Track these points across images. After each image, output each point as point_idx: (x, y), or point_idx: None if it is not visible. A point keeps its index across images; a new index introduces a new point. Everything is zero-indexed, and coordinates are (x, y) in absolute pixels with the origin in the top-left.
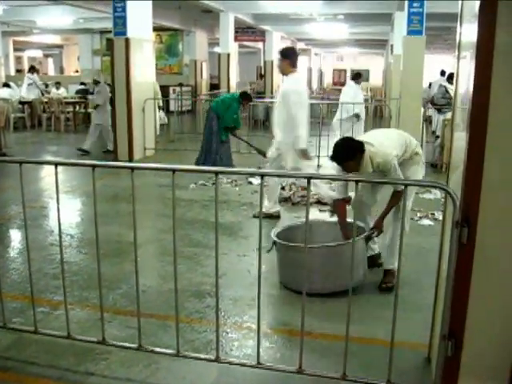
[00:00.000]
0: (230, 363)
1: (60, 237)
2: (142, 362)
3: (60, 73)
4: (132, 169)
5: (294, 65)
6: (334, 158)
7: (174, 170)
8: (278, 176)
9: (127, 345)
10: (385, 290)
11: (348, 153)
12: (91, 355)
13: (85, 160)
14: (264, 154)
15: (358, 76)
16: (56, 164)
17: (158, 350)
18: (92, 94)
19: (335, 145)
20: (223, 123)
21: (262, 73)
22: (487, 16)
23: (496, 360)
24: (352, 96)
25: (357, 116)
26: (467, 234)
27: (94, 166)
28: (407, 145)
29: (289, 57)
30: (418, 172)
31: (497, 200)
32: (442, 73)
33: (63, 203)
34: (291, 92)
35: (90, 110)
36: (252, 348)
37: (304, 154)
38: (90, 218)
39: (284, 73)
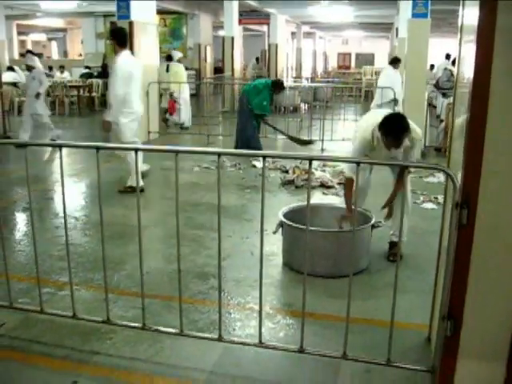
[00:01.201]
0: (233, 342)
1: (65, 218)
2: (146, 342)
3: (64, 56)
4: (136, 150)
5: (121, 45)
6: (397, 131)
7: (177, 152)
8: (280, 157)
9: (132, 324)
10: (393, 261)
11: (407, 126)
12: (96, 335)
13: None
14: (302, 142)
15: (396, 61)
16: (60, 146)
17: (162, 329)
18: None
19: (393, 120)
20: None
21: (265, 56)
22: None
23: (495, 339)
24: (390, 81)
25: (395, 101)
26: (467, 215)
27: (98, 148)
28: None
29: (116, 37)
30: None
31: (496, 182)
32: (447, 56)
33: (68, 186)
34: (119, 70)
35: (93, 94)
36: (254, 328)
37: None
38: (94, 200)
39: (115, 52)
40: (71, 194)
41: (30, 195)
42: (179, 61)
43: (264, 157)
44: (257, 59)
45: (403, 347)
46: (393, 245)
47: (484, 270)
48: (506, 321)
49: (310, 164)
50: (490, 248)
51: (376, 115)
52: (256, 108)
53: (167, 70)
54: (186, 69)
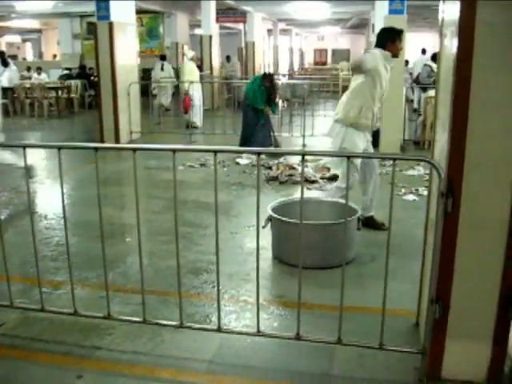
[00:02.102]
0: (232, 332)
1: (64, 219)
2: (145, 336)
3: (39, 58)
4: (134, 150)
5: None
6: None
7: (174, 150)
8: (273, 153)
9: (133, 319)
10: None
11: None
12: (96, 331)
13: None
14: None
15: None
16: (59, 148)
17: (162, 322)
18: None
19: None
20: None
21: (241, 54)
22: None
23: (480, 321)
24: None
25: None
26: (452, 203)
27: (96, 148)
28: None
29: None
30: None
31: (479, 171)
32: (423, 51)
33: (53, 187)
34: None
35: (72, 95)
36: (250, 319)
37: None
38: (81, 201)
39: None
40: (57, 195)
41: (29, 196)
42: (192, 59)
43: (258, 154)
44: (227, 58)
45: (393, 332)
46: (370, 219)
47: (469, 255)
48: (491, 302)
49: (303, 159)
50: (474, 233)
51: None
52: (251, 100)
53: (162, 69)
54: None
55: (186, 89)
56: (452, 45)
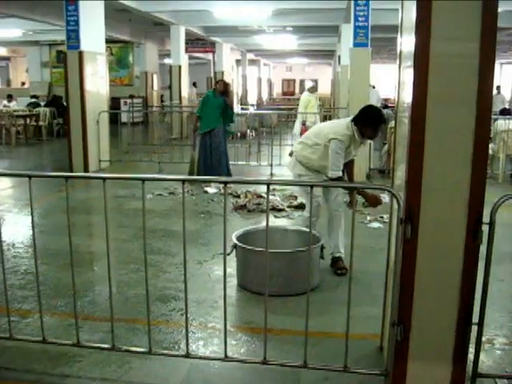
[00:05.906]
0: (200, 358)
1: (34, 247)
2: (114, 363)
3: (7, 85)
4: (104, 179)
5: None
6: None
7: (143, 180)
8: (239, 183)
9: (102, 345)
10: (341, 274)
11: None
12: (65, 359)
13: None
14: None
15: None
16: (29, 176)
17: (132, 349)
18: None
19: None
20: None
21: (211, 84)
22: (423, 27)
23: (440, 342)
24: None
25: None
26: (411, 229)
27: (67, 177)
28: None
29: None
30: None
31: (436, 198)
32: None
33: (20, 216)
34: None
35: (41, 123)
36: (218, 345)
37: None
38: (48, 229)
39: None
40: (25, 224)
41: None
42: (309, 90)
43: (225, 183)
44: (194, 84)
45: (358, 356)
46: (335, 260)
47: (428, 279)
48: (450, 324)
49: (268, 188)
50: (432, 258)
51: (338, 120)
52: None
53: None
54: (133, 97)
55: (303, 119)
56: (408, 78)
